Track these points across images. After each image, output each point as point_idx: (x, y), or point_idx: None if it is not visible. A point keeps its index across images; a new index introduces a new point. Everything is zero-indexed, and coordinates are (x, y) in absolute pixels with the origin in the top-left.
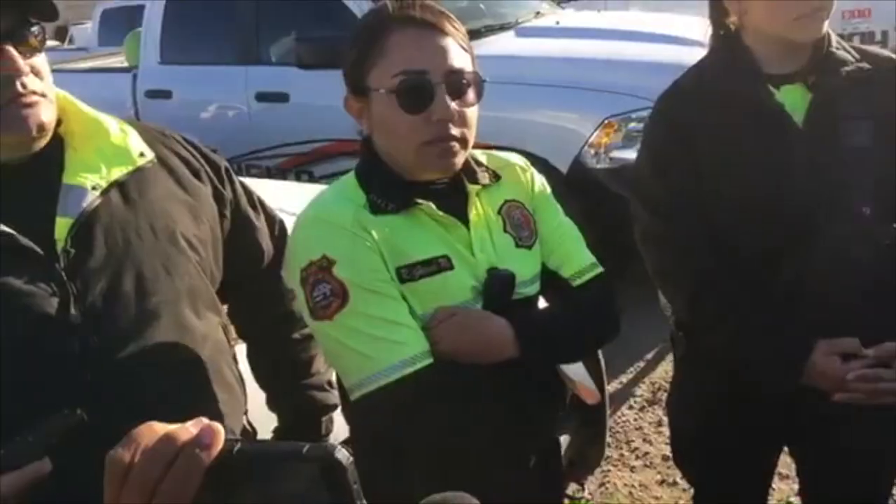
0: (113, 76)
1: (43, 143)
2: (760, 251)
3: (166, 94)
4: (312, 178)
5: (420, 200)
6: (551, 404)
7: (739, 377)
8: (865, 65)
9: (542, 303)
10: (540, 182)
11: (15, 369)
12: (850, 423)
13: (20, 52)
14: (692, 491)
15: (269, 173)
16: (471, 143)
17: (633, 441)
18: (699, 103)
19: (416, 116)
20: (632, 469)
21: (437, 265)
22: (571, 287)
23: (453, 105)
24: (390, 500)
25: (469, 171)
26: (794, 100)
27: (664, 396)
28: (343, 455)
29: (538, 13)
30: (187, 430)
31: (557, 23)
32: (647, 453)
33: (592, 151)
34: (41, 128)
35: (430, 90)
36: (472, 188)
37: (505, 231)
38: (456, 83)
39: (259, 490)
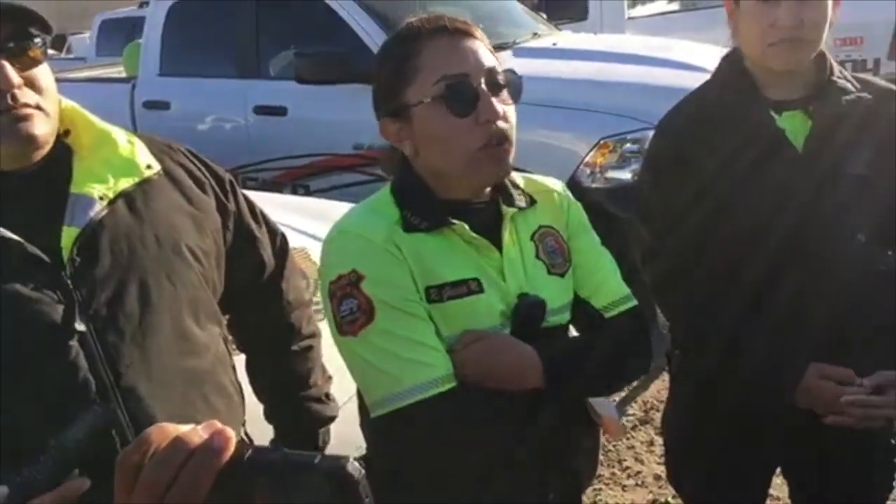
0: (111, 86)
1: (40, 154)
2: (756, 273)
3: (164, 106)
4: (308, 192)
5: (454, 221)
6: (574, 436)
7: (731, 396)
8: (866, 94)
9: (571, 332)
10: (577, 210)
11: (21, 375)
12: (842, 449)
13: (17, 65)
14: None
15: (266, 186)
16: (514, 143)
17: (624, 460)
18: (701, 124)
19: (464, 119)
20: (623, 488)
21: (467, 287)
22: (603, 318)
23: (497, 104)
24: None
25: (506, 192)
26: (794, 126)
27: (656, 416)
28: (354, 468)
29: (536, 34)
30: (199, 433)
31: (554, 44)
32: (638, 472)
33: (588, 171)
34: (31, 140)
35: (474, 92)
36: (508, 211)
37: (537, 257)
38: (494, 82)
39: (269, 499)
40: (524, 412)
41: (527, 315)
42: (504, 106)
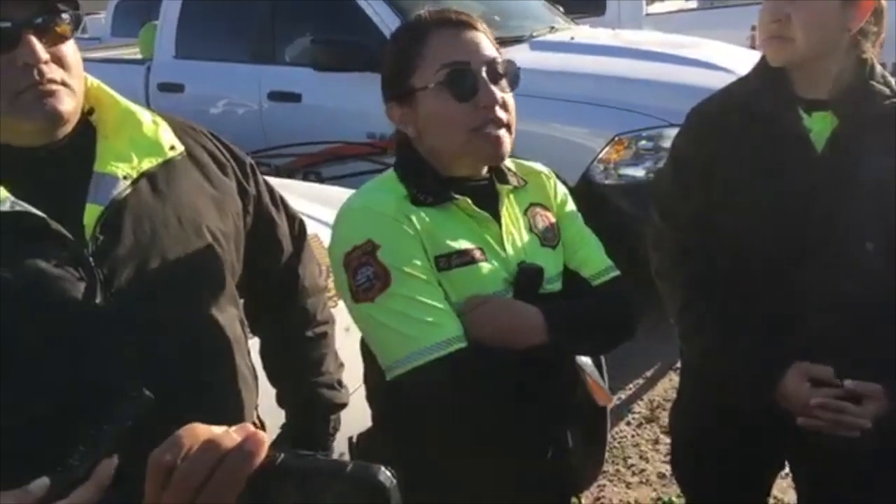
0: (126, 67)
1: (65, 131)
2: (758, 268)
3: (179, 88)
4: (320, 179)
5: (457, 196)
6: (567, 400)
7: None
8: None
9: None
10: (562, 191)
11: (40, 351)
12: (849, 453)
13: (44, 40)
14: None
15: (278, 172)
16: (514, 129)
17: (629, 457)
18: (727, 119)
19: (465, 104)
20: (627, 485)
21: (472, 256)
22: (591, 286)
23: (497, 91)
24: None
25: (500, 173)
26: (822, 127)
27: (662, 414)
28: (386, 477)
29: (553, 28)
30: (231, 436)
31: (572, 38)
32: (643, 470)
33: (601, 167)
34: (56, 116)
35: (474, 79)
36: (503, 188)
37: (530, 231)
38: (494, 71)
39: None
40: (529, 369)
41: (527, 281)
42: (503, 94)
